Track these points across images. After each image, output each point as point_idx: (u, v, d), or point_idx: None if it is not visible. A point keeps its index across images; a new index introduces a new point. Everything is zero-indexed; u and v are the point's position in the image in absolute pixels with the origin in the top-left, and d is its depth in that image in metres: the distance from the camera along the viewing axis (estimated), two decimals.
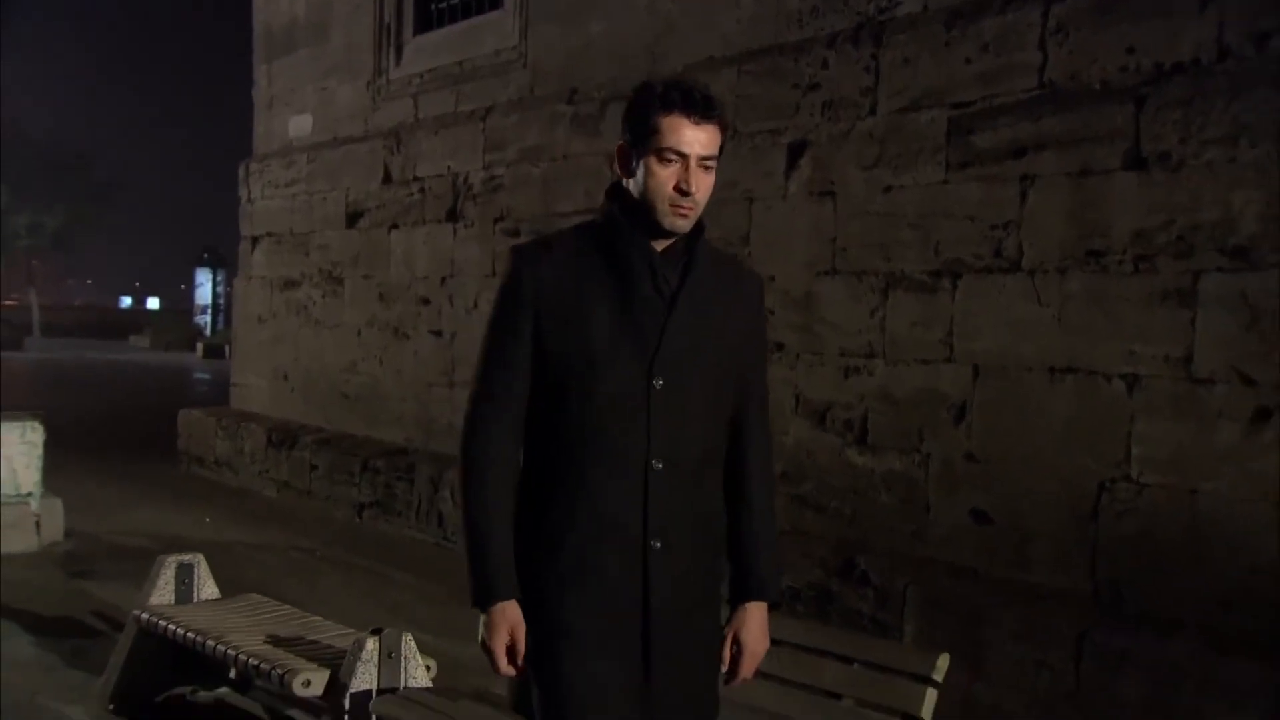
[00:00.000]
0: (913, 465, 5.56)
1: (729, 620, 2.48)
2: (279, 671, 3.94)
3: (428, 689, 3.85)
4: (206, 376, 26.50)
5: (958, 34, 5.43)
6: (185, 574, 4.90)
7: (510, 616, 2.34)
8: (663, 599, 2.33)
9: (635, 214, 2.34)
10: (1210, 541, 4.42)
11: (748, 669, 2.48)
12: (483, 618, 2.36)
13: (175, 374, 28.09)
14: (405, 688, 3.82)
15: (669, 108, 2.29)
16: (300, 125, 11.22)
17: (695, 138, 2.29)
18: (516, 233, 8.25)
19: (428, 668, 3.96)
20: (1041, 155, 5.06)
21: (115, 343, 45.98)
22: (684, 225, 2.33)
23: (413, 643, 3.91)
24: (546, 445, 2.38)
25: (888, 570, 5.38)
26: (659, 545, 2.32)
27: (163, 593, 4.82)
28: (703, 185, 2.32)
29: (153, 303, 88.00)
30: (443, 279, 9.01)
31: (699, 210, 2.34)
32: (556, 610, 2.34)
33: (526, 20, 8.47)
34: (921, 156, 5.56)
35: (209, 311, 53.55)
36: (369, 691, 3.80)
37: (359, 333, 10.00)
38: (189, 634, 4.39)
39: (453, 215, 8.96)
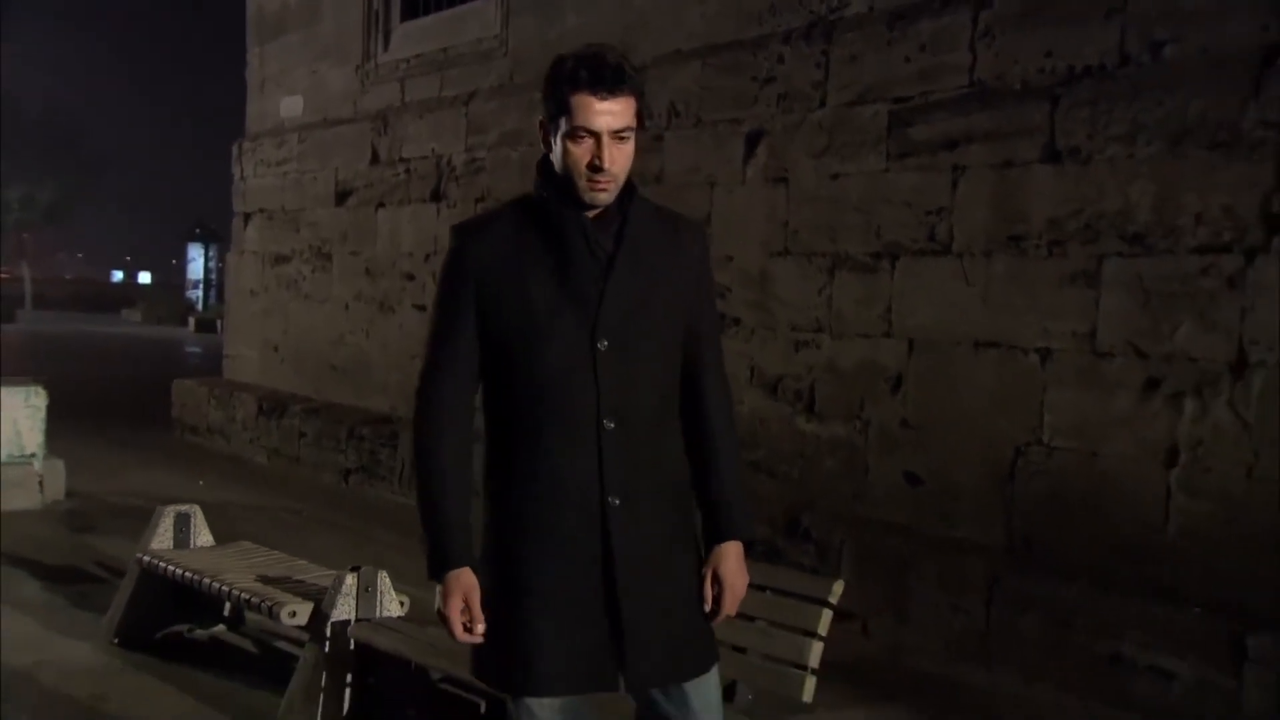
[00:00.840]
0: (854, 432, 6.04)
1: (706, 560, 2.50)
2: (268, 604, 4.41)
3: (400, 618, 4.32)
4: (198, 350, 26.87)
5: (898, 34, 5.88)
6: (183, 523, 5.36)
7: (464, 582, 2.36)
8: (625, 554, 2.35)
9: (562, 187, 2.36)
10: (1107, 498, 4.92)
11: (730, 606, 2.50)
12: (439, 587, 2.38)
13: (167, 347, 28.44)
14: (380, 617, 4.28)
15: (576, 86, 2.28)
16: (291, 106, 11.61)
17: (607, 111, 2.28)
18: None
19: (401, 603, 4.42)
20: (970, 148, 5.53)
21: (107, 317, 46.30)
22: (605, 198, 2.35)
23: (387, 579, 4.36)
24: (501, 415, 2.41)
25: (828, 527, 5.86)
26: (617, 502, 2.34)
27: (162, 539, 5.28)
28: (619, 158, 2.31)
29: (144, 277, 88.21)
30: (426, 256, 9.45)
31: (618, 182, 2.35)
32: (519, 573, 2.36)
33: (508, 11, 8.90)
34: (865, 147, 6.02)
35: (201, 286, 53.82)
36: (348, 621, 4.26)
37: (347, 306, 10.44)
38: (187, 574, 4.85)
39: (436, 195, 9.40)
